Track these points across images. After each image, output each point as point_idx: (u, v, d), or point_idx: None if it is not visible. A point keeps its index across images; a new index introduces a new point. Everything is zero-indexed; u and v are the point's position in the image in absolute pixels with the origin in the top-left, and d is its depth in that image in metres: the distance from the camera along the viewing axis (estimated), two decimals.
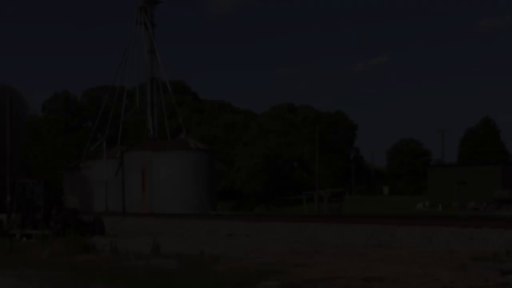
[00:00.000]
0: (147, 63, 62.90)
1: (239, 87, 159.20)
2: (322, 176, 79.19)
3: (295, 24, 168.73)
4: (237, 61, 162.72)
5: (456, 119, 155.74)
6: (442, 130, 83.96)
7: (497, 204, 54.87)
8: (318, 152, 69.13)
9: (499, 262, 12.42)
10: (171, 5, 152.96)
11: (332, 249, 16.76)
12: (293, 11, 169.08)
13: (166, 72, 63.67)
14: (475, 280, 10.20)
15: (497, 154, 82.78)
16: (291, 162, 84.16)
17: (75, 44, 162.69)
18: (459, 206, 54.86)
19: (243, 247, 17.89)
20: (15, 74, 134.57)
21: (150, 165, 56.92)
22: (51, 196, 26.40)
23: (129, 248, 17.82)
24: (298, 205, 66.32)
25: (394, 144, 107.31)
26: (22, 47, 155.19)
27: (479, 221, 19.73)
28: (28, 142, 73.02)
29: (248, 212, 62.59)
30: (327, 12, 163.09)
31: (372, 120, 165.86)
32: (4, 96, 42.84)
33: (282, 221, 24.34)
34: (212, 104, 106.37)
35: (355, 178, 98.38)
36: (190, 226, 27.38)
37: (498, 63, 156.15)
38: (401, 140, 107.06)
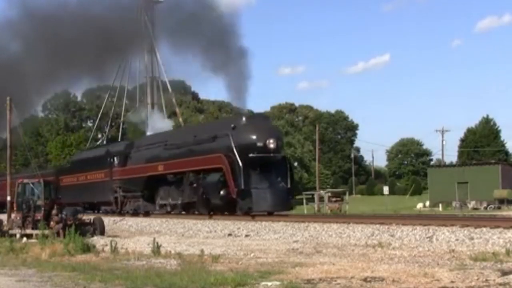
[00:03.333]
0: (147, 63, 62.98)
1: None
2: (322, 176, 79.18)
3: (295, 23, 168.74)
4: None
5: (456, 119, 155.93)
6: (442, 130, 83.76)
7: (497, 204, 54.88)
8: (318, 152, 69.11)
9: (499, 262, 12.42)
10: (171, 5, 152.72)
11: (332, 249, 16.76)
12: (293, 10, 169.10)
13: (166, 72, 63.68)
14: (475, 280, 10.20)
15: (497, 154, 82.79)
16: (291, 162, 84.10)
17: None
18: (459, 206, 54.84)
19: (243, 247, 17.90)
20: None
21: None
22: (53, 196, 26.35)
23: (129, 248, 17.84)
24: (298, 205, 66.30)
25: (394, 144, 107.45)
26: None
27: (479, 221, 19.72)
28: (29, 142, 73.25)
29: None
30: (327, 11, 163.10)
31: (372, 120, 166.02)
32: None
33: (282, 221, 24.32)
34: (212, 104, 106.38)
35: (355, 178, 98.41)
36: (190, 226, 27.37)
37: (498, 63, 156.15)
38: (401, 140, 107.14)
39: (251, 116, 25.79)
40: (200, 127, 32.59)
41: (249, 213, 26.56)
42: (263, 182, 25.87)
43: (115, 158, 38.23)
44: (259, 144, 23.38)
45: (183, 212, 31.41)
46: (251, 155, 24.44)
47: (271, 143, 23.18)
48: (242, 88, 27.63)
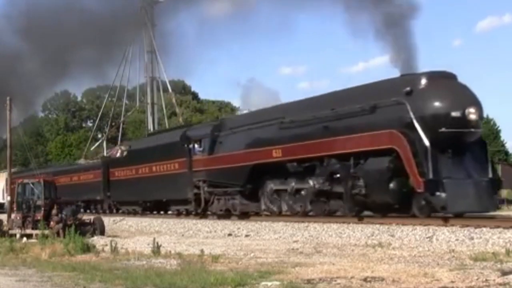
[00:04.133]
0: (147, 63, 63.01)
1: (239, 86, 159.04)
2: None
3: (294, 23, 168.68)
4: (237, 60, 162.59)
5: None
6: None
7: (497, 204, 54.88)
8: None
9: (499, 262, 12.42)
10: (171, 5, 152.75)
11: (332, 249, 16.76)
12: (292, 10, 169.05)
13: (166, 72, 63.70)
14: (475, 280, 10.20)
15: (497, 154, 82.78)
16: None
17: None
18: None
19: (243, 247, 17.90)
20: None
21: None
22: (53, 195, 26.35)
23: (129, 248, 17.85)
24: None
25: None
26: None
27: (479, 221, 19.70)
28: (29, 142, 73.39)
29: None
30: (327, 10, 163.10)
31: None
32: None
33: (282, 221, 24.33)
34: (212, 104, 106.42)
35: None
36: (190, 226, 27.39)
37: (498, 63, 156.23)
38: None
39: (435, 75, 18.39)
40: (339, 96, 22.92)
41: (438, 215, 19.31)
42: (459, 171, 18.57)
43: (196, 144, 30.26)
44: (455, 114, 17.12)
45: (311, 213, 24.05)
46: (442, 130, 17.67)
47: (472, 113, 16.85)
48: (412, 50, 20.93)
